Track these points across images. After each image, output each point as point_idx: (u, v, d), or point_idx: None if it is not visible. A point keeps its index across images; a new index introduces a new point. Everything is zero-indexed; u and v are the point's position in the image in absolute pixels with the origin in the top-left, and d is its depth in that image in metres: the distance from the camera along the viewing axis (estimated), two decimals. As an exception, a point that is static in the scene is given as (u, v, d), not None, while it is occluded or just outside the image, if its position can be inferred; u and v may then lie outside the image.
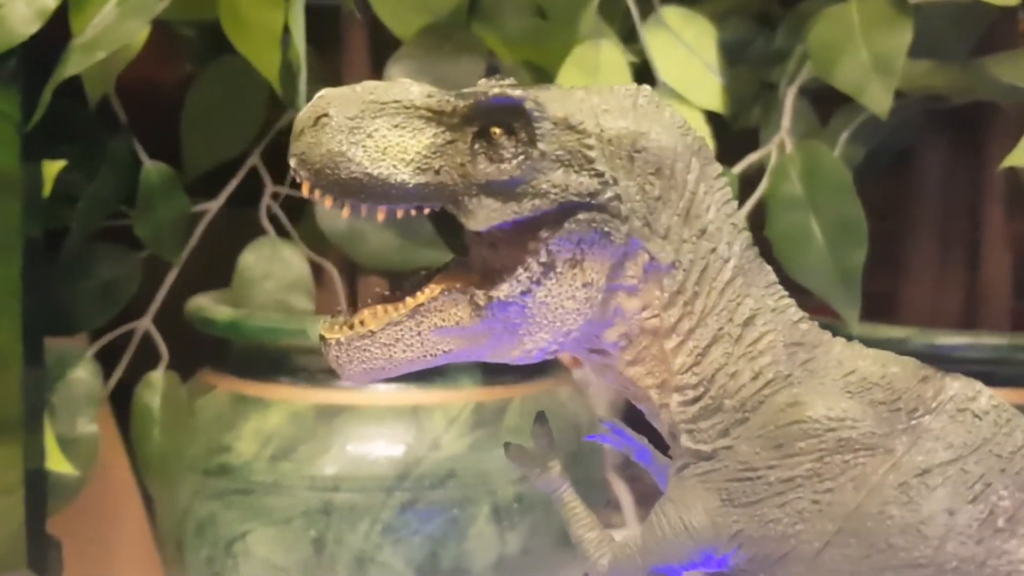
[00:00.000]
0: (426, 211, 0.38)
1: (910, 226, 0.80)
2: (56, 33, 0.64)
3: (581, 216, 0.38)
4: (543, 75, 0.71)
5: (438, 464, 0.65)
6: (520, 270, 0.38)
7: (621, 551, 0.42)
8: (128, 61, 0.68)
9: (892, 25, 0.65)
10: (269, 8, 0.63)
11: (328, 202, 0.38)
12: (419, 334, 0.39)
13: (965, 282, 0.79)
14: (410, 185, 0.37)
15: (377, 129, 0.37)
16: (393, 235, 0.72)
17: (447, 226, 0.74)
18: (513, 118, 0.37)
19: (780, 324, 0.40)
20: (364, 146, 0.37)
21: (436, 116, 0.38)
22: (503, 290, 0.38)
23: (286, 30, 0.63)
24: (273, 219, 0.76)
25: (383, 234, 0.72)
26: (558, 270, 0.38)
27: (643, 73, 0.68)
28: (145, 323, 0.74)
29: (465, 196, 0.38)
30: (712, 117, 0.73)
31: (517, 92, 0.38)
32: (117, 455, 0.80)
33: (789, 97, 0.72)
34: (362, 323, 0.39)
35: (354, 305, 0.75)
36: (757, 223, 0.68)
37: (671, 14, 0.72)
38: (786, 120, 0.72)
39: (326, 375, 0.67)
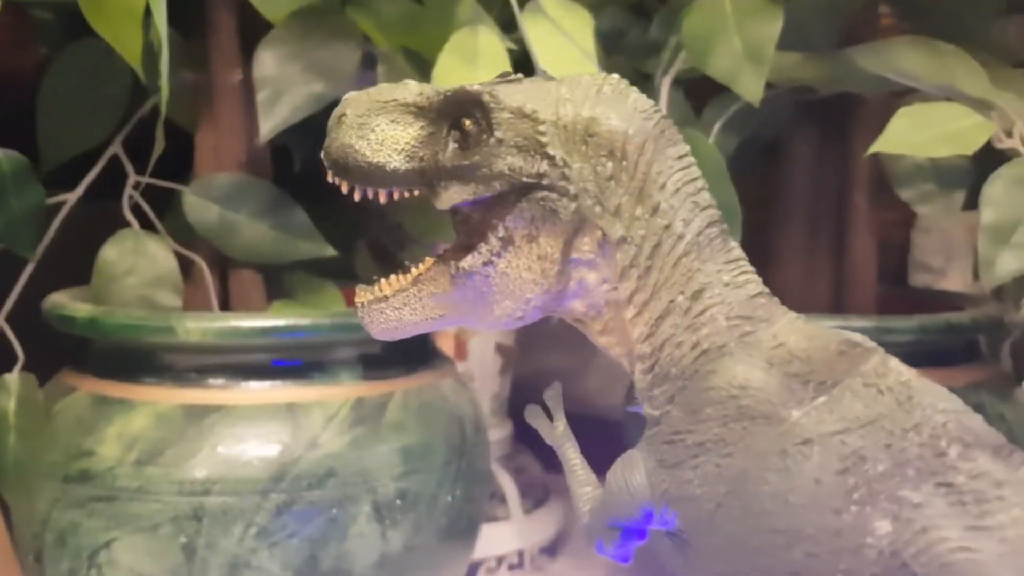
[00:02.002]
0: (416, 193, 0.44)
1: (780, 214, 0.82)
2: None
3: (533, 195, 0.42)
4: (421, 61, 0.69)
5: (316, 463, 0.63)
6: (482, 244, 0.43)
7: (593, 505, 0.46)
8: (-26, 43, 0.64)
9: (763, 14, 0.67)
10: (129, -12, 0.60)
11: (344, 187, 0.44)
12: (420, 299, 0.44)
13: (832, 268, 0.81)
14: (401, 171, 0.43)
15: (378, 124, 0.43)
16: (267, 227, 0.70)
17: (321, 217, 0.72)
18: (475, 110, 0.42)
19: (731, 298, 0.43)
20: (368, 139, 0.43)
21: (421, 111, 0.43)
22: (467, 261, 0.43)
23: (149, 12, 0.60)
24: (137, 211, 0.72)
25: (256, 226, 0.70)
26: (516, 244, 0.43)
27: (522, 61, 0.68)
28: (-2, 322, 0.70)
29: (437, 180, 0.43)
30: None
31: (475, 87, 0.43)
32: (-31, 463, 0.75)
33: (664, 87, 0.73)
34: (380, 290, 0.45)
35: (226, 300, 0.73)
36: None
37: (549, 2, 0.71)
38: (662, 109, 0.72)
39: (194, 374, 0.65)
